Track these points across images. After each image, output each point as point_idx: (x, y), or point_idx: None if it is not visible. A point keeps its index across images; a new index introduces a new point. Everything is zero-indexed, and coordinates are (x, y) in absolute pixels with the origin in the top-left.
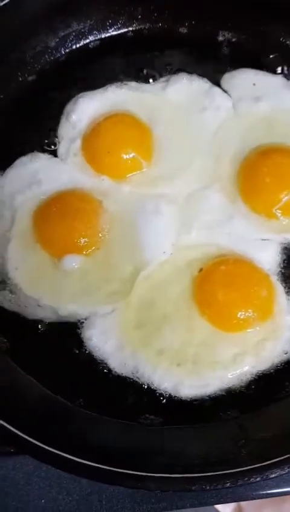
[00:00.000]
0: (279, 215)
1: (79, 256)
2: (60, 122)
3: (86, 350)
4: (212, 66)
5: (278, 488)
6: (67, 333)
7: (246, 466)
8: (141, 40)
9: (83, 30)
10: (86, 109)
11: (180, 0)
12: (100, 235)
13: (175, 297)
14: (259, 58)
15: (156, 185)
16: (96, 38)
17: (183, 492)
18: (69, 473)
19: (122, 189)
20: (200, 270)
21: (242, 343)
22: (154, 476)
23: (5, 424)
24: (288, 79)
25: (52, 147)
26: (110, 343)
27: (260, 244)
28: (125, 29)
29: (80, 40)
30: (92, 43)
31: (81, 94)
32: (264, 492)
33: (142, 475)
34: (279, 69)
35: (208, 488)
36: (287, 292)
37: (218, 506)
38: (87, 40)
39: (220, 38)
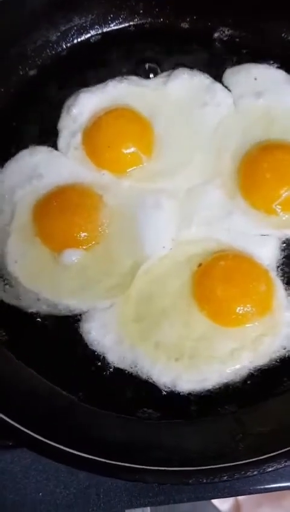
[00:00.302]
0: (279, 210)
1: (79, 251)
2: (60, 116)
3: (84, 344)
4: (214, 61)
5: (276, 483)
6: (66, 326)
7: (243, 460)
8: (142, 34)
9: (84, 24)
10: (86, 103)
11: None
12: (100, 229)
13: (174, 291)
14: (260, 53)
15: (156, 180)
16: (98, 32)
17: (181, 486)
18: (67, 465)
19: (122, 184)
20: (200, 265)
21: (240, 338)
22: (151, 469)
23: (3, 417)
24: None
25: (53, 141)
26: (109, 336)
27: (259, 240)
28: (127, 24)
29: (81, 34)
30: (93, 38)
31: (82, 88)
32: (261, 487)
33: (139, 468)
34: (281, 65)
35: (204, 481)
36: (286, 288)
37: (216, 503)
38: (89, 35)
39: (222, 33)
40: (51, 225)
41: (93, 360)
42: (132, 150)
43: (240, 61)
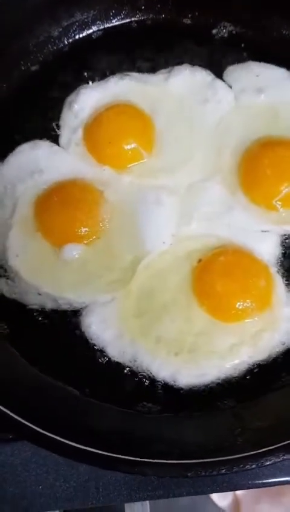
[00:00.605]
0: (279, 206)
1: (79, 246)
2: (62, 112)
3: (85, 338)
4: (215, 58)
5: (274, 478)
6: (67, 321)
7: (242, 454)
8: (144, 30)
9: (86, 20)
10: (88, 99)
11: None
12: (101, 224)
13: (174, 287)
14: (262, 50)
15: (157, 176)
16: (100, 28)
17: (180, 480)
18: (67, 457)
19: (123, 180)
20: (200, 260)
21: (240, 334)
22: (150, 462)
23: (4, 409)
24: None
25: (54, 136)
26: (109, 331)
27: (259, 236)
28: (129, 20)
29: (83, 30)
30: (95, 34)
31: (83, 84)
32: (260, 481)
33: (138, 460)
34: (282, 61)
35: (203, 474)
36: (286, 283)
37: (215, 499)
38: (91, 30)
39: (224, 30)
40: (52, 220)
41: (93, 354)
42: (133, 145)
43: (241, 58)
